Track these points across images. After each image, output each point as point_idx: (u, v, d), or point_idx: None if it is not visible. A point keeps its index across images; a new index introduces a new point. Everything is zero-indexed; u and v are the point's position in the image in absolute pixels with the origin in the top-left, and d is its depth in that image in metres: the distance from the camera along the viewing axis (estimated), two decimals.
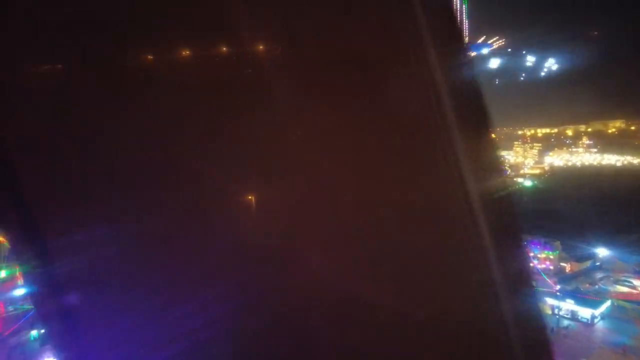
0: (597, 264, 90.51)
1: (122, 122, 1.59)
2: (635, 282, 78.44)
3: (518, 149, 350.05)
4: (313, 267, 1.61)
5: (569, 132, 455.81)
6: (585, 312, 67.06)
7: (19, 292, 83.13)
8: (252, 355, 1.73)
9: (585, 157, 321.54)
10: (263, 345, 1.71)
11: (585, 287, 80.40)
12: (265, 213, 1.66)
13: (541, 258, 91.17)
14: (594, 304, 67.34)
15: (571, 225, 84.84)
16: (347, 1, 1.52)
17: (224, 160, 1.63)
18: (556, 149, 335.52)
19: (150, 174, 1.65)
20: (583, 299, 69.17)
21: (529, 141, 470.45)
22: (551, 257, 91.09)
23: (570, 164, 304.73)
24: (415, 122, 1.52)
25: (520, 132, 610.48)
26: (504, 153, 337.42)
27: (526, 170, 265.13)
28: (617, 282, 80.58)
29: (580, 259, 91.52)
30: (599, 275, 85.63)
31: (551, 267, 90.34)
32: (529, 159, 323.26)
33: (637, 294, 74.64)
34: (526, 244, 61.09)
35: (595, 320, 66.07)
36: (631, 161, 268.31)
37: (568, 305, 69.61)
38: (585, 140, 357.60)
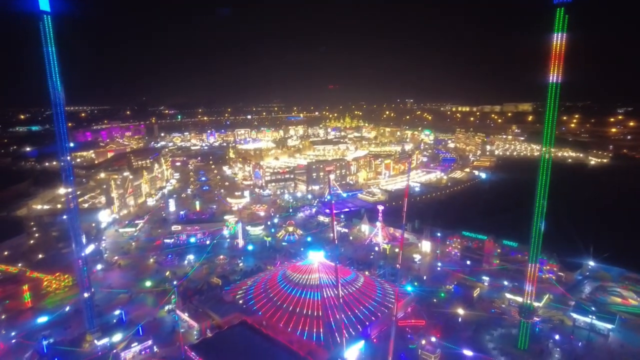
0: (587, 273, 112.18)
1: None
2: (624, 292, 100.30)
3: (460, 135, 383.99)
4: None
5: (493, 115, 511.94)
6: (603, 325, 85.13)
7: None
8: None
9: (518, 146, 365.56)
10: None
11: (583, 297, 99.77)
12: None
13: (546, 269, 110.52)
14: (610, 318, 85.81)
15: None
16: None
17: None
18: (492, 136, 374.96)
19: None
20: (599, 312, 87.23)
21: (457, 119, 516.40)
22: (555, 267, 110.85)
23: (508, 153, 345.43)
24: None
25: (442, 109, 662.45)
26: (445, 136, 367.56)
27: (474, 162, 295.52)
28: (609, 292, 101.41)
29: (571, 269, 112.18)
30: (589, 285, 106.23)
31: (554, 277, 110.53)
32: (470, 146, 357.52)
33: (629, 303, 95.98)
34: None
35: (611, 333, 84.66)
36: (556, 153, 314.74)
37: (585, 318, 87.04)
38: (514, 129, 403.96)
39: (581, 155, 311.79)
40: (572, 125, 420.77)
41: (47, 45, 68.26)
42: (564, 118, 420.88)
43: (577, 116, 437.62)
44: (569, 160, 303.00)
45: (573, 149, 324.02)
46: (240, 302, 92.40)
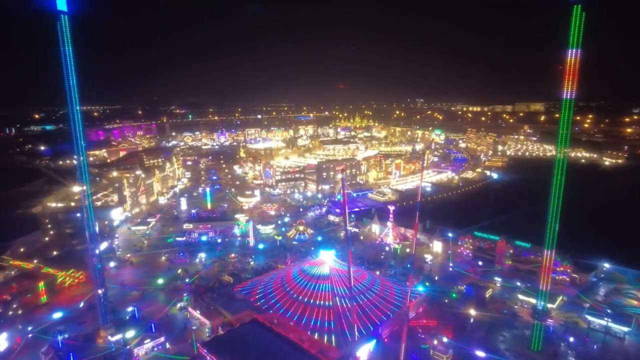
0: (601, 275, 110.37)
1: None
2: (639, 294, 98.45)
3: (472, 135, 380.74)
4: None
5: (505, 115, 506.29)
6: (619, 328, 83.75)
7: None
8: None
9: (530, 146, 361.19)
10: None
11: (598, 299, 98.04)
12: None
13: (560, 270, 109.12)
14: (626, 321, 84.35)
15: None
16: None
17: None
18: (503, 136, 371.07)
19: None
20: (615, 315, 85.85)
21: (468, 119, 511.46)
22: (568, 269, 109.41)
23: (520, 153, 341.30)
24: None
25: (453, 109, 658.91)
26: (456, 136, 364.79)
27: (486, 162, 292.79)
28: (624, 294, 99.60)
29: (585, 270, 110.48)
30: (603, 287, 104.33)
31: (567, 279, 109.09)
32: (482, 146, 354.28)
33: None
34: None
35: (627, 336, 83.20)
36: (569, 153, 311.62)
37: (600, 320, 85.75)
38: (526, 129, 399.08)
39: (595, 155, 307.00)
40: (586, 125, 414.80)
41: (64, 44, 69.21)
42: (577, 118, 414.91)
43: (590, 116, 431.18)
44: (583, 160, 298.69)
45: (587, 149, 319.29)
46: (252, 299, 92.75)
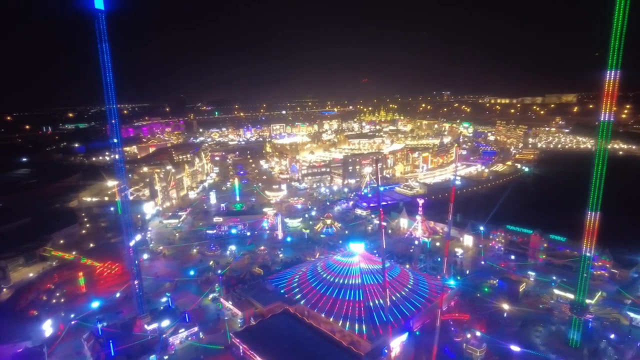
0: None
1: None
2: None
3: (501, 128, 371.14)
4: None
5: (535, 107, 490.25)
6: None
7: None
8: None
9: (562, 139, 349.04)
10: None
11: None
12: None
13: (598, 265, 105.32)
14: None
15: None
16: None
17: None
18: (534, 128, 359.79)
19: None
20: None
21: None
22: (608, 264, 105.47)
23: (552, 146, 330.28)
24: None
25: (481, 101, 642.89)
26: (484, 129, 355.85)
27: (516, 155, 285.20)
28: None
29: (626, 266, 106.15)
30: None
31: (606, 274, 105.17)
32: (511, 138, 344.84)
33: None
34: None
35: None
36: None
37: None
38: (558, 121, 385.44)
39: (634, 147, 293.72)
40: (623, 116, 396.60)
41: (101, 42, 71.31)
42: (614, 109, 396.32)
43: (628, 106, 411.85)
44: (620, 152, 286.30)
45: (624, 141, 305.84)
46: (283, 291, 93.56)
